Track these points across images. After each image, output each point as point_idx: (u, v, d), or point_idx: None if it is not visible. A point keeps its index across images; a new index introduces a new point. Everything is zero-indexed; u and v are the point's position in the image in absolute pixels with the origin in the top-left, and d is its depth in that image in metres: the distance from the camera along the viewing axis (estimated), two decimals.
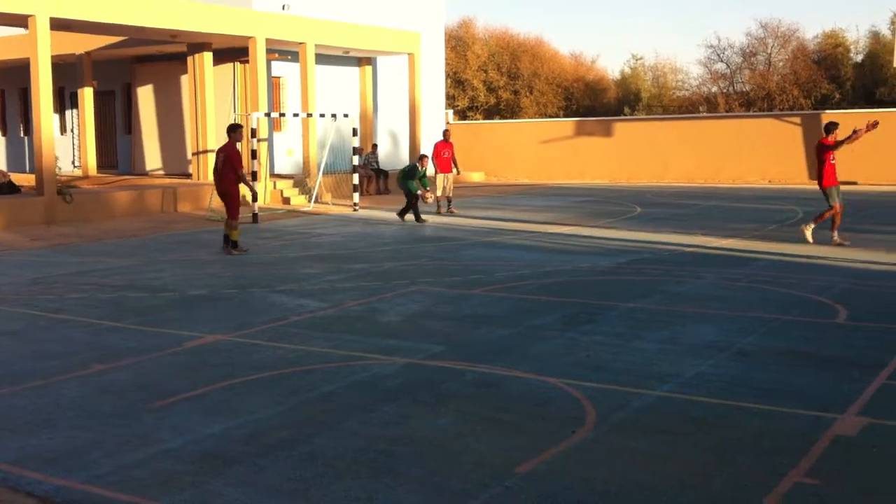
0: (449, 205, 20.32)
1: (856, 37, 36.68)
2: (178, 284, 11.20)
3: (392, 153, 29.47)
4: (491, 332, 8.38)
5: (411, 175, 18.18)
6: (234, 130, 13.81)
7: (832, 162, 13.81)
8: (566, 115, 38.35)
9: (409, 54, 27.27)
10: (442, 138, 20.83)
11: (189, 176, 24.86)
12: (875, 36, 34.13)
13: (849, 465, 5.00)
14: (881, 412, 5.89)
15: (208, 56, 23.59)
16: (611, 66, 78.45)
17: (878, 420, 5.73)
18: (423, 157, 19.01)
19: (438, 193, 20.16)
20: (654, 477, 4.88)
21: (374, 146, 27.23)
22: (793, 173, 30.05)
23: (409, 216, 18.39)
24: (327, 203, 22.70)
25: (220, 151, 13.90)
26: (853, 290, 10.28)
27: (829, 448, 5.26)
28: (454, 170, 20.59)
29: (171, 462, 5.17)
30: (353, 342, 8.04)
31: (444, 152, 20.26)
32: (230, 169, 13.59)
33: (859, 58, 34.90)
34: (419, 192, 18.21)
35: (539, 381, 6.72)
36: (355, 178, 21.97)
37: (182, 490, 4.76)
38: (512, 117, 38.85)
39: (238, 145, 13.93)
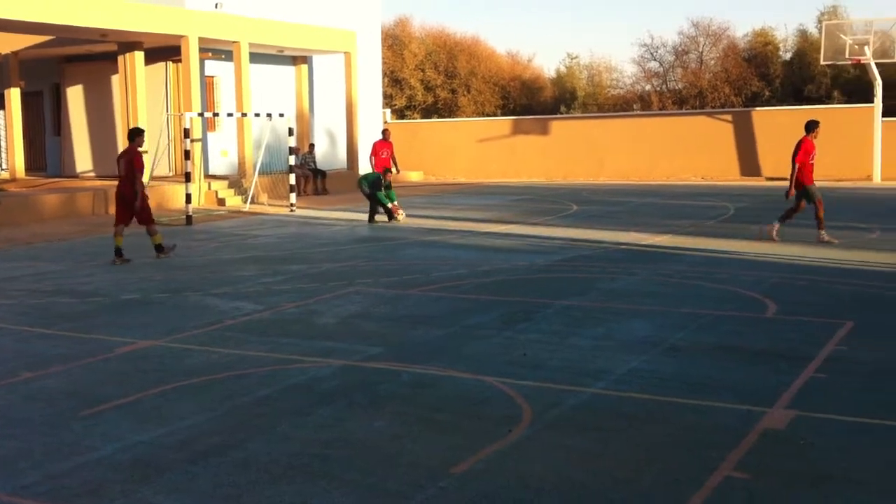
0: None
1: (784, 35, 37.51)
2: (109, 289, 10.98)
3: (330, 153, 29.31)
4: (428, 333, 8.38)
5: (377, 186, 18.05)
6: (138, 134, 13.30)
7: (811, 162, 13.79)
8: (503, 114, 38.54)
9: (345, 53, 27.15)
10: (381, 137, 20.70)
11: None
12: (803, 34, 34.95)
13: (777, 458, 5.10)
14: (808, 405, 6.03)
15: (140, 55, 23.17)
16: (547, 64, 79.04)
17: (805, 412, 5.87)
18: (387, 171, 18.75)
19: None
20: (587, 474, 4.93)
21: (311, 146, 27.05)
22: (725, 170, 30.64)
23: (381, 217, 18.21)
24: (263, 204, 22.48)
25: (120, 157, 13.42)
26: (782, 284, 10.51)
27: (759, 441, 5.36)
28: (393, 169, 20.55)
29: (102, 470, 5.06)
30: (288, 345, 7.97)
31: (384, 152, 20.12)
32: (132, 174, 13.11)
33: (788, 56, 35.70)
34: (390, 205, 18.13)
35: (475, 381, 6.74)
36: (292, 179, 21.78)
37: (112, 499, 4.66)
38: (450, 116, 38.93)
39: (140, 150, 13.31)
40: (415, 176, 32.91)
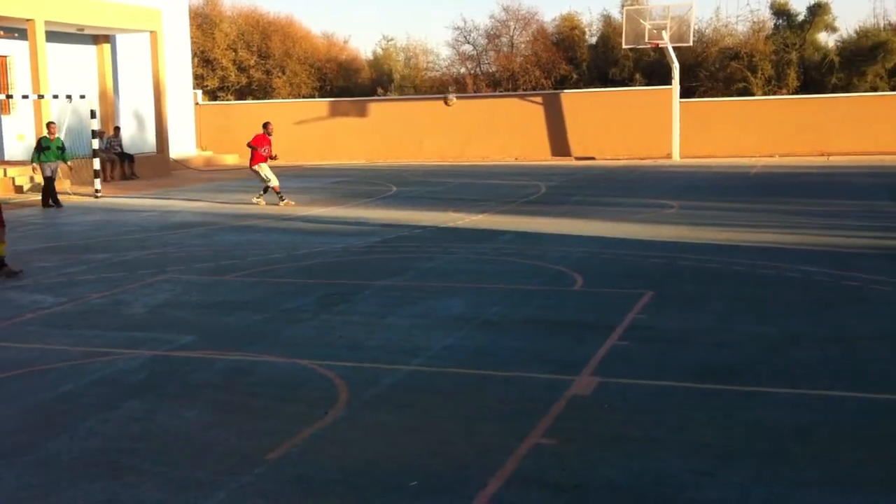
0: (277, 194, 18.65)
1: (590, 20, 39.00)
2: None
3: (138, 136, 28.14)
4: (243, 318, 8.21)
5: (39, 148, 18.03)
6: None
7: None
8: (320, 96, 38.15)
9: (150, 32, 26.05)
10: (263, 131, 18.31)
11: None
12: (607, 19, 36.39)
13: (583, 423, 5.34)
14: (611, 371, 6.33)
15: None
16: (363, 46, 78.70)
17: (608, 378, 6.16)
18: (49, 124, 18.79)
19: (275, 183, 18.06)
20: (404, 449, 4.99)
21: (117, 129, 25.86)
22: (537, 150, 31.61)
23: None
24: (67, 191, 21.30)
25: None
26: (589, 259, 10.98)
27: (566, 408, 5.59)
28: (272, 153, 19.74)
29: None
30: (94, 337, 7.62)
31: (264, 149, 18.21)
32: None
33: (594, 40, 37.09)
34: (68, 163, 18.10)
35: (292, 365, 6.68)
36: (96, 164, 20.76)
37: None
38: (265, 98, 38.15)
39: None
40: (230, 159, 32.09)
